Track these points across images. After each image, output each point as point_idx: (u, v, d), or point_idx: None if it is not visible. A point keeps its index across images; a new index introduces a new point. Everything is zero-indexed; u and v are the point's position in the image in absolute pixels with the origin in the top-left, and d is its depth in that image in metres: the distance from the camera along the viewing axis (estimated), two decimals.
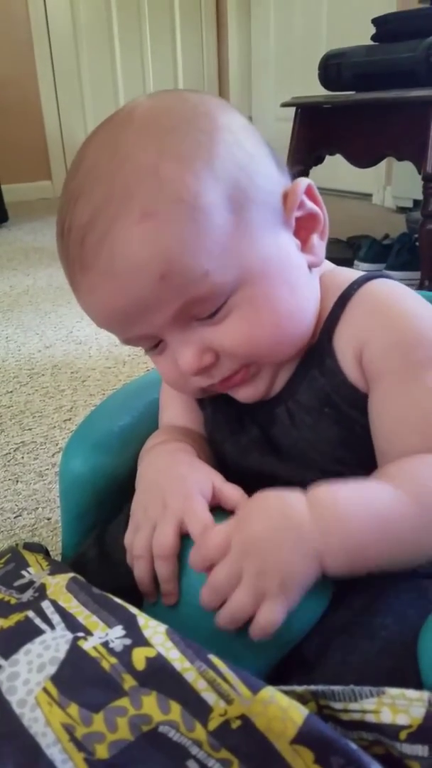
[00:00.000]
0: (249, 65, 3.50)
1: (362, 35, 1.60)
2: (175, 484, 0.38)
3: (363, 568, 0.33)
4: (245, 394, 0.41)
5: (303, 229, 0.40)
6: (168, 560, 0.35)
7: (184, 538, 0.36)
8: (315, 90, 1.62)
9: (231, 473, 0.46)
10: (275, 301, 0.37)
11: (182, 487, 0.37)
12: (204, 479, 0.38)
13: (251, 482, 0.43)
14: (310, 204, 0.40)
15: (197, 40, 3.58)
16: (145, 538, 0.37)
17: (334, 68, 1.53)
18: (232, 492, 0.38)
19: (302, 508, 0.33)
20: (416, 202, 2.37)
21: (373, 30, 1.52)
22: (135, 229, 0.33)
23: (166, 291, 0.35)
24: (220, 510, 0.37)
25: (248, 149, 0.37)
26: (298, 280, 0.39)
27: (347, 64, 1.50)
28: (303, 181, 0.39)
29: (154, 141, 0.35)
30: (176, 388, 0.43)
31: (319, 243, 0.41)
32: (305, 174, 1.66)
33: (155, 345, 0.39)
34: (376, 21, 1.51)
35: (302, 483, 0.38)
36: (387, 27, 1.48)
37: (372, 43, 1.52)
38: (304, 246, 0.40)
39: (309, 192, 0.40)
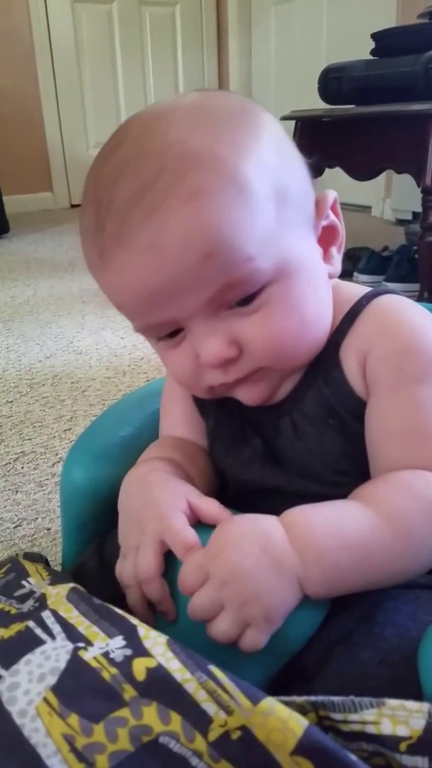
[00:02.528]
0: (249, 79, 3.54)
1: (362, 50, 1.62)
2: (150, 507, 0.37)
3: (341, 592, 0.34)
4: (250, 396, 0.40)
5: (325, 239, 0.41)
6: (152, 582, 0.35)
7: (173, 555, 0.36)
8: (315, 104, 1.64)
9: (232, 486, 0.46)
10: (304, 301, 0.37)
11: (157, 509, 0.37)
12: (178, 497, 0.38)
13: (252, 495, 0.43)
14: (333, 216, 0.41)
15: (198, 55, 3.62)
16: (131, 566, 0.37)
17: (334, 82, 1.55)
18: (208, 506, 0.37)
19: (280, 536, 0.33)
20: (415, 215, 2.39)
21: (372, 44, 1.54)
22: (186, 206, 0.33)
23: (209, 271, 0.34)
24: (201, 524, 0.37)
25: (290, 151, 0.39)
26: (322, 286, 0.40)
27: (347, 78, 1.52)
28: (332, 193, 0.41)
29: (207, 126, 0.35)
30: (186, 383, 0.41)
31: (336, 255, 0.42)
32: None
33: (171, 335, 0.38)
34: (375, 36, 1.53)
35: (304, 495, 0.38)
36: (386, 42, 1.50)
37: (371, 57, 1.54)
38: (325, 255, 0.41)
39: (333, 205, 0.41)
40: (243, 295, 0.36)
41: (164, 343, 0.39)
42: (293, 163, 0.39)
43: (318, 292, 0.39)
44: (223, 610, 0.32)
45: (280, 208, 0.36)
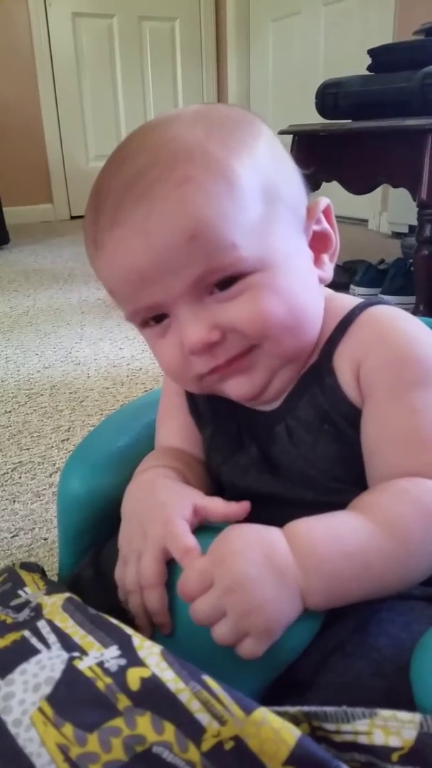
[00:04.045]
0: (248, 93, 3.57)
1: (358, 65, 1.64)
2: (155, 512, 0.38)
3: (342, 603, 0.34)
4: (240, 388, 0.40)
5: (316, 245, 0.42)
6: (154, 589, 0.35)
7: (173, 564, 0.36)
8: (312, 118, 1.65)
9: (228, 495, 0.46)
10: (290, 291, 0.38)
11: (162, 514, 0.37)
12: (184, 501, 0.38)
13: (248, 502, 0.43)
14: (326, 224, 0.42)
15: (197, 69, 3.66)
16: (133, 571, 0.37)
17: (331, 97, 1.57)
18: (214, 505, 0.38)
19: (284, 547, 0.33)
20: (411, 228, 2.40)
21: (369, 61, 1.56)
22: (174, 192, 0.35)
23: (193, 253, 0.35)
24: (205, 528, 0.37)
25: (285, 158, 0.41)
26: (311, 283, 0.41)
27: (344, 94, 1.54)
28: (323, 200, 0.42)
29: (204, 127, 0.37)
30: (175, 374, 0.42)
31: (328, 262, 0.43)
32: None
33: (160, 320, 0.39)
34: (372, 52, 1.55)
35: (300, 503, 0.38)
36: (383, 58, 1.52)
37: (368, 73, 1.56)
38: (316, 261, 0.42)
39: (326, 211, 0.43)
40: (224, 278, 0.37)
41: (152, 331, 0.40)
42: (286, 168, 0.41)
43: (306, 286, 0.40)
44: (224, 617, 0.32)
45: (268, 205, 0.38)
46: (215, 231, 0.35)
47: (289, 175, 0.41)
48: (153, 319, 0.40)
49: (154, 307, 0.38)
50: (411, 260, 1.51)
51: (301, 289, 0.39)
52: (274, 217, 0.38)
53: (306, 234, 0.41)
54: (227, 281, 0.37)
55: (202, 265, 0.36)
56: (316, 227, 0.42)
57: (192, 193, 0.35)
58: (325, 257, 0.43)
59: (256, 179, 0.37)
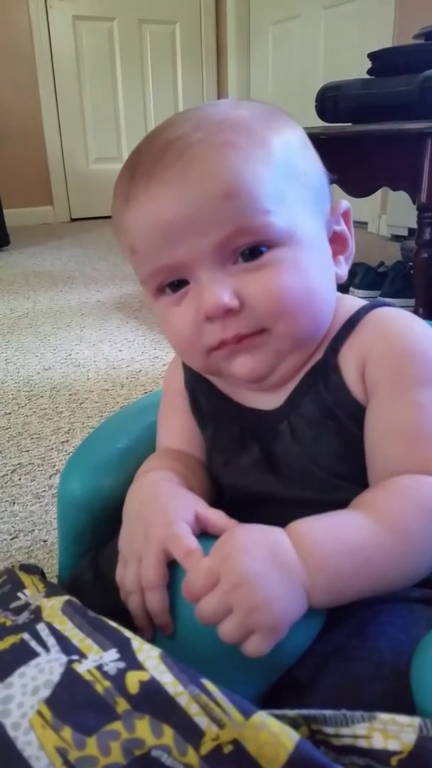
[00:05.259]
0: (248, 96, 3.57)
1: (358, 69, 1.64)
2: (157, 514, 0.38)
3: (346, 600, 0.34)
4: (247, 366, 0.40)
5: (334, 246, 0.43)
6: (156, 591, 0.36)
7: (174, 566, 0.36)
8: (312, 122, 1.66)
9: (227, 496, 0.46)
10: (310, 271, 0.39)
11: (164, 517, 0.37)
12: (186, 507, 0.38)
13: (248, 504, 0.43)
14: (344, 226, 0.44)
15: (197, 72, 3.67)
16: (134, 572, 0.37)
17: (331, 101, 1.57)
18: (216, 517, 0.38)
19: (287, 546, 0.34)
20: (411, 231, 2.41)
21: (369, 64, 1.56)
22: (216, 152, 0.36)
23: (226, 211, 0.36)
24: (206, 535, 0.37)
25: (314, 155, 0.43)
26: (329, 275, 0.42)
27: (343, 97, 1.54)
28: (344, 203, 0.43)
29: (248, 111, 0.40)
30: (185, 345, 0.41)
31: (343, 264, 0.44)
32: None
33: (175, 289, 0.39)
34: (372, 55, 1.55)
35: (300, 503, 0.38)
36: (383, 61, 1.53)
37: (368, 76, 1.56)
38: (333, 259, 0.43)
39: (346, 215, 0.44)
40: (253, 243, 0.37)
41: (167, 299, 0.40)
42: (315, 163, 0.42)
43: (325, 274, 0.41)
44: (231, 614, 0.32)
45: (299, 189, 0.39)
46: (251, 192, 0.36)
47: (318, 170, 0.42)
48: (170, 286, 0.39)
49: (175, 267, 0.38)
50: (410, 263, 1.51)
51: (320, 275, 0.40)
52: (303, 200, 0.39)
53: (327, 229, 0.42)
54: (253, 251, 0.37)
55: (233, 225, 0.36)
56: (336, 227, 0.43)
57: (232, 155, 0.36)
58: (341, 258, 0.44)
59: (291, 161, 0.39)
